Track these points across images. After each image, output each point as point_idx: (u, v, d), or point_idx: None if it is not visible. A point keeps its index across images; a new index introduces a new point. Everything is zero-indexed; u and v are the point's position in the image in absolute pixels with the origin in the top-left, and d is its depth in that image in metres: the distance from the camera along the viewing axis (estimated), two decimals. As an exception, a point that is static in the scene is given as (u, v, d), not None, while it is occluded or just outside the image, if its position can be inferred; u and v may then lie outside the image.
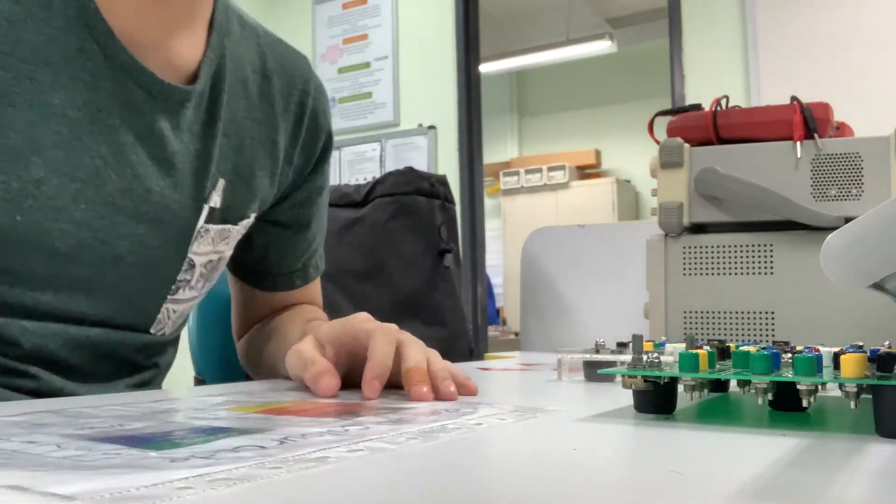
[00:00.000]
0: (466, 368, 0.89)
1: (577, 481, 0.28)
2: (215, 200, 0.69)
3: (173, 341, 0.76)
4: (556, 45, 5.22)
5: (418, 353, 0.55)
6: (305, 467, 0.29)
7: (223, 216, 0.70)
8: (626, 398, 0.46)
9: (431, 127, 3.29)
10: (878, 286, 0.38)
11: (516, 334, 4.04)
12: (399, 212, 1.35)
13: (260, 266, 0.81)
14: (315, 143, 0.80)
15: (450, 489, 0.27)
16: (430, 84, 3.30)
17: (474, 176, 3.25)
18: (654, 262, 0.72)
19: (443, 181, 1.43)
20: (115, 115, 0.61)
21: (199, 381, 1.38)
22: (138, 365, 0.70)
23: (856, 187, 0.66)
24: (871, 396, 0.36)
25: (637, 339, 0.43)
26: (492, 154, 5.09)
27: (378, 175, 1.66)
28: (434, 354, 0.57)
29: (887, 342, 0.44)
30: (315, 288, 0.88)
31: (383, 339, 0.55)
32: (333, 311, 1.34)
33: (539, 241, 1.44)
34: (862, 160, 0.66)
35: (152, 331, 0.69)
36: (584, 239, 1.37)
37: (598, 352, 0.67)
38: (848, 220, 0.40)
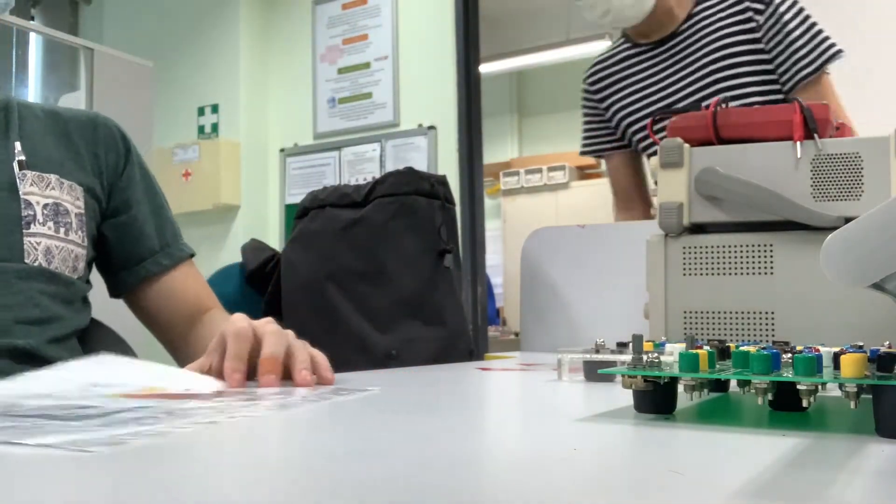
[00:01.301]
0: (466, 368, 0.90)
1: (577, 481, 0.28)
2: (19, 157, 0.90)
3: (78, 295, 0.93)
4: (556, 45, 5.22)
5: (275, 345, 0.66)
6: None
7: (30, 166, 0.90)
8: (626, 398, 0.46)
9: (431, 127, 3.29)
10: (878, 286, 0.38)
11: (516, 334, 4.04)
12: (399, 212, 1.35)
13: (128, 260, 0.98)
14: (113, 147, 0.99)
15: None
16: (430, 84, 3.30)
17: (474, 176, 3.25)
18: (654, 262, 0.72)
19: (443, 181, 1.43)
20: None
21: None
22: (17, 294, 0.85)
23: (856, 187, 0.66)
24: (871, 396, 0.36)
25: (637, 339, 0.43)
26: (492, 154, 5.08)
27: (378, 175, 1.65)
28: (298, 345, 0.68)
29: (887, 342, 0.44)
30: (203, 288, 1.03)
31: (236, 335, 0.67)
32: (333, 311, 1.34)
33: (539, 241, 1.43)
34: (862, 160, 0.66)
35: (27, 261, 0.86)
36: (584, 239, 1.37)
37: (598, 352, 0.67)
38: (848, 220, 0.40)
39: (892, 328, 0.61)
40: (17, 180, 0.89)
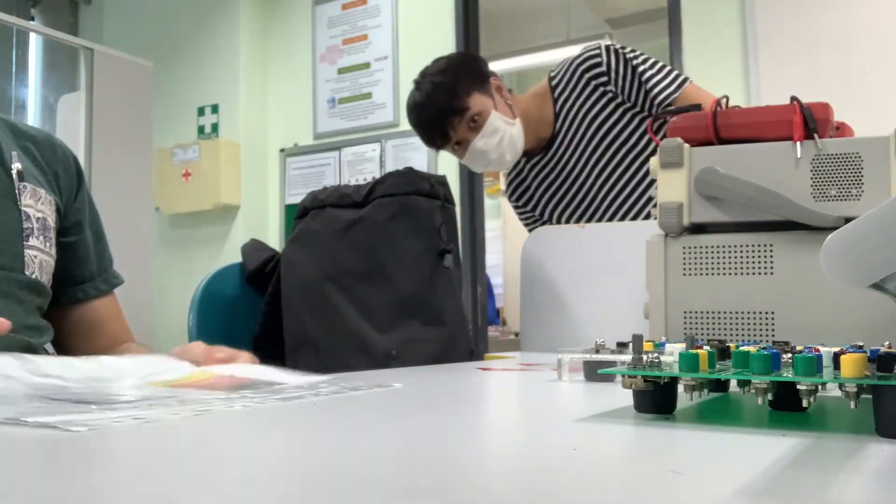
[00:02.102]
0: (466, 369, 0.89)
1: (577, 481, 0.28)
2: (17, 167, 0.91)
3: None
4: (556, 45, 5.22)
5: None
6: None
7: (26, 178, 0.92)
8: (626, 398, 0.46)
9: (431, 127, 3.28)
10: (878, 286, 0.38)
11: (516, 334, 4.04)
12: (399, 212, 1.35)
13: (66, 280, 0.99)
14: (69, 170, 1.02)
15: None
16: (430, 84, 3.29)
17: (474, 176, 3.25)
18: (654, 262, 0.72)
19: (443, 182, 1.43)
20: None
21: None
22: (22, 301, 0.87)
23: (856, 187, 0.66)
24: (871, 396, 0.36)
25: (637, 339, 0.43)
26: (492, 154, 5.08)
27: (378, 175, 1.65)
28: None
29: (887, 342, 0.44)
30: (123, 323, 1.06)
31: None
32: (333, 311, 1.34)
33: (539, 241, 1.43)
34: (862, 160, 0.66)
35: (27, 272, 0.88)
36: (584, 239, 1.37)
37: (598, 352, 0.67)
38: (848, 220, 0.40)
39: (892, 328, 0.61)
40: (18, 192, 0.91)
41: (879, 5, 2.56)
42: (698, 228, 0.72)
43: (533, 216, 1.81)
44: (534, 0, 4.84)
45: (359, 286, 1.34)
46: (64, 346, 1.01)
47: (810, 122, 0.68)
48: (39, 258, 0.91)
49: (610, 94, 1.59)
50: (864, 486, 0.27)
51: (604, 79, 1.59)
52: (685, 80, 1.55)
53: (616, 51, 1.59)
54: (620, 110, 1.59)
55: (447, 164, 3.22)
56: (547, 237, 1.44)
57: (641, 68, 1.55)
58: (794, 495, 0.26)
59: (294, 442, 0.37)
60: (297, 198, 3.26)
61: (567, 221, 1.71)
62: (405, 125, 3.38)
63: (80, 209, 1.01)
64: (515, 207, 1.85)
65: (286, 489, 0.27)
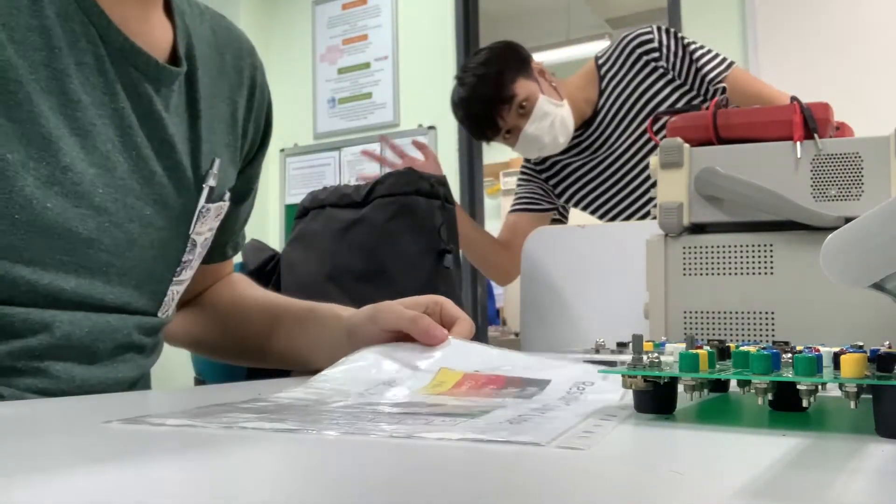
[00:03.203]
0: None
1: (578, 481, 0.28)
2: (213, 179, 0.70)
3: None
4: (556, 45, 5.22)
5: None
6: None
7: (217, 192, 0.72)
8: (626, 398, 0.46)
9: (431, 127, 3.29)
10: (878, 286, 0.38)
11: (516, 334, 4.04)
12: (399, 212, 1.35)
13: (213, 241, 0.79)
14: (262, 117, 0.80)
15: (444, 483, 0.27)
16: (430, 84, 3.30)
17: (474, 176, 3.25)
18: (654, 262, 0.72)
19: (443, 181, 1.43)
20: (119, 98, 0.62)
21: (199, 381, 1.38)
22: (144, 349, 0.70)
23: (856, 187, 0.66)
24: (871, 396, 0.36)
25: (637, 339, 0.43)
26: (492, 154, 5.08)
27: (378, 175, 1.65)
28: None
29: (887, 342, 0.44)
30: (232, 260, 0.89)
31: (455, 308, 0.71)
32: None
33: (539, 241, 1.43)
34: (862, 160, 0.66)
35: (160, 314, 0.70)
36: (584, 239, 1.37)
37: (598, 352, 0.67)
38: (848, 220, 0.40)
39: (892, 328, 0.61)
40: (197, 216, 0.69)
41: (879, 5, 2.55)
42: (698, 228, 0.72)
43: (540, 188, 1.80)
44: (534, 0, 4.84)
45: (359, 286, 1.34)
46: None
47: (810, 122, 0.68)
48: (180, 292, 0.73)
49: (661, 70, 1.60)
50: (864, 486, 0.27)
51: (655, 54, 1.60)
52: (732, 62, 1.59)
53: (668, 30, 1.62)
54: (670, 87, 1.59)
55: (447, 165, 3.22)
56: (547, 237, 1.44)
57: (693, 47, 1.58)
58: (794, 495, 0.26)
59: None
60: (297, 198, 3.25)
61: (600, 197, 1.69)
62: (405, 125, 3.38)
63: (255, 174, 0.82)
64: (526, 174, 1.83)
65: None
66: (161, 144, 0.65)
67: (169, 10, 0.69)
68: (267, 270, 1.46)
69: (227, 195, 0.75)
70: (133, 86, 0.63)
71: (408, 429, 0.37)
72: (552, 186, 1.80)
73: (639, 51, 1.62)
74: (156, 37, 0.66)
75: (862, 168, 0.66)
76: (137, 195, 0.64)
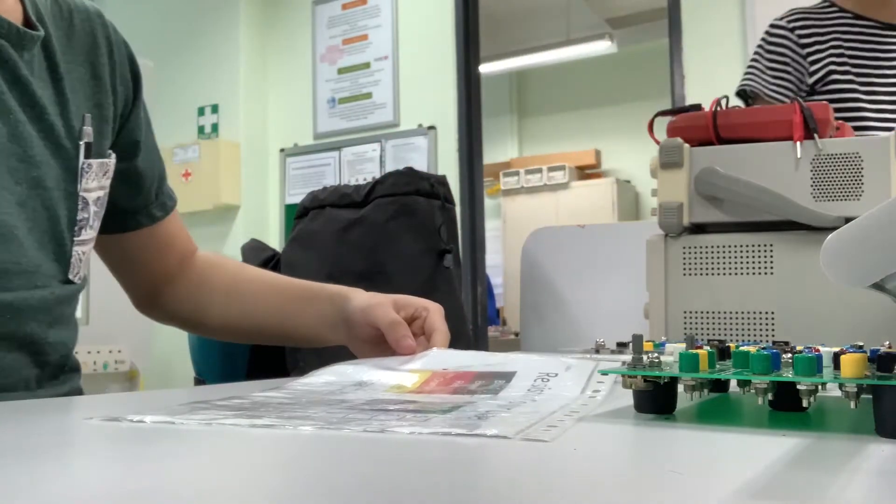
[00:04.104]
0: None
1: (578, 481, 0.28)
2: (88, 135, 0.71)
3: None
4: (556, 46, 5.22)
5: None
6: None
7: (96, 150, 0.72)
8: (626, 398, 0.46)
9: (431, 127, 3.29)
10: (878, 286, 0.38)
11: (516, 334, 4.04)
12: (399, 212, 1.35)
13: (115, 207, 0.79)
14: (126, 71, 0.81)
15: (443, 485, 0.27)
16: (430, 84, 3.30)
17: (474, 176, 3.25)
18: (654, 262, 0.72)
19: (443, 181, 1.43)
20: None
21: (200, 381, 1.38)
22: (66, 323, 0.71)
23: (856, 187, 0.66)
24: (871, 396, 0.36)
25: (637, 339, 0.43)
26: (492, 154, 5.08)
27: (378, 175, 1.65)
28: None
29: (887, 342, 0.44)
30: (181, 226, 0.89)
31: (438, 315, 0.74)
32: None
33: (539, 241, 1.43)
34: (862, 160, 0.66)
35: (70, 276, 0.70)
36: (584, 239, 1.37)
37: (598, 352, 0.67)
38: (848, 220, 0.40)
39: (892, 328, 0.61)
40: (80, 172, 0.70)
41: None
42: (698, 228, 0.72)
43: (797, 64, 1.57)
44: (534, 0, 4.85)
45: (359, 286, 1.34)
46: (127, 271, 0.85)
47: (810, 122, 0.68)
48: (85, 252, 0.73)
49: None
50: (864, 486, 0.27)
51: None
52: None
53: None
54: None
55: (447, 165, 3.23)
56: (547, 237, 1.44)
57: None
58: (794, 495, 0.26)
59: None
60: (297, 198, 3.25)
61: (869, 115, 1.51)
62: (405, 125, 3.38)
63: (136, 125, 0.80)
64: (779, 44, 1.59)
65: None
66: (32, 108, 0.66)
67: None
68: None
69: (111, 154, 0.75)
70: None
71: (381, 424, 0.38)
72: (806, 59, 1.57)
73: None
74: (6, 7, 0.67)
75: (862, 168, 0.66)
76: (20, 157, 0.64)
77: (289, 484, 0.27)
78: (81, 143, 0.70)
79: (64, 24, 0.74)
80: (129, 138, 0.80)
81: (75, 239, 0.70)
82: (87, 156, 0.71)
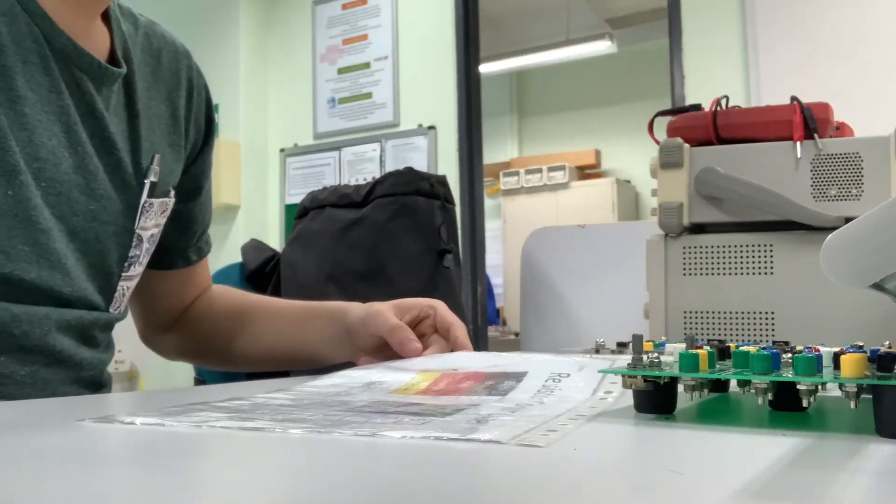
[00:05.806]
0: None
1: (578, 481, 0.28)
2: (155, 174, 0.72)
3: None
4: (556, 46, 5.22)
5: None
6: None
7: (160, 189, 0.73)
8: (626, 398, 0.46)
9: (431, 127, 3.29)
10: (878, 286, 0.38)
11: (516, 334, 4.04)
12: (399, 212, 1.35)
13: (158, 245, 0.78)
14: (202, 116, 0.82)
15: (446, 486, 0.27)
16: (430, 84, 3.30)
17: (474, 176, 3.25)
18: (654, 262, 0.72)
19: (443, 181, 1.43)
20: (63, 96, 0.64)
21: (200, 381, 1.38)
22: (98, 345, 0.71)
23: (856, 187, 0.66)
24: (871, 396, 0.36)
25: (637, 339, 0.43)
26: (492, 154, 5.09)
27: (378, 175, 1.65)
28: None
29: (887, 342, 0.44)
30: (206, 266, 0.90)
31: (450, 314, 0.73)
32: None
33: (539, 241, 1.43)
34: (862, 160, 0.66)
35: (111, 310, 0.71)
36: (584, 239, 1.37)
37: (598, 352, 0.67)
38: (848, 220, 0.40)
39: (892, 328, 0.61)
40: (141, 211, 0.70)
41: (879, 5, 2.55)
42: (698, 228, 0.72)
43: None
44: (534, 0, 4.85)
45: (359, 286, 1.34)
46: (144, 301, 0.85)
47: (810, 122, 0.68)
48: (130, 287, 0.73)
49: None
50: (864, 486, 0.27)
51: None
52: None
53: None
54: None
55: (447, 165, 3.23)
56: (547, 237, 1.44)
57: None
58: (794, 495, 0.26)
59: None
60: (297, 198, 3.26)
61: None
62: (405, 125, 3.38)
63: (202, 171, 0.81)
64: None
65: None
66: (102, 142, 0.67)
67: (106, 17, 0.72)
68: (267, 270, 1.46)
69: (172, 192, 0.76)
70: (76, 85, 0.65)
71: (373, 428, 0.37)
72: None
73: None
74: (95, 40, 0.68)
75: (862, 168, 0.66)
76: (82, 190, 0.65)
77: (262, 488, 0.27)
78: (147, 181, 0.71)
79: (152, 61, 0.76)
80: (192, 182, 0.81)
81: (123, 274, 0.71)
82: (150, 195, 0.71)
